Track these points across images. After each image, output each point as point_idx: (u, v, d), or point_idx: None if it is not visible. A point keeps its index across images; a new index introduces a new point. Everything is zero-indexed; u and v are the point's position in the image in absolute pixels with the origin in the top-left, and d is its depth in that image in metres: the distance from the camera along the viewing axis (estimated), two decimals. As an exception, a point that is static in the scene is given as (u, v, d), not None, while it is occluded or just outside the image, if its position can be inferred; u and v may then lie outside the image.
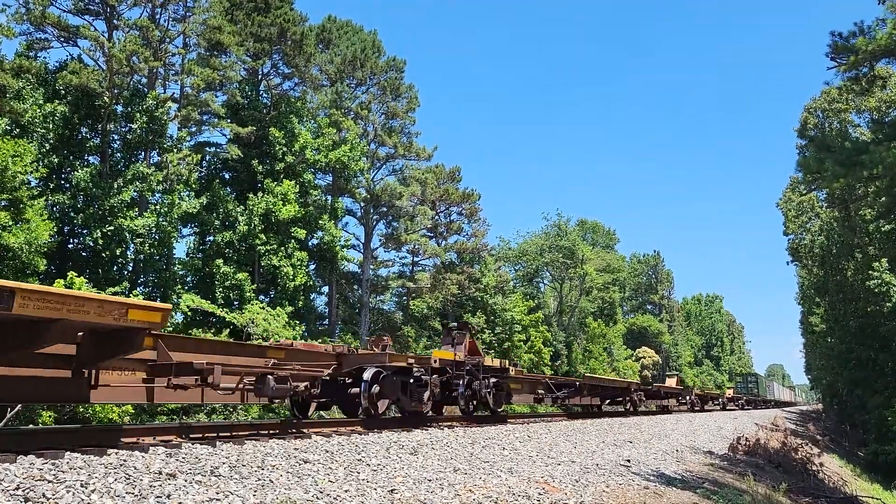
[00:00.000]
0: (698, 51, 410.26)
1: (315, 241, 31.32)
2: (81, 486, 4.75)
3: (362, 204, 36.67)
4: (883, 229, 34.98)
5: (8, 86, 20.57)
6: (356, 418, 10.72)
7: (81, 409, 15.79)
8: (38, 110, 22.13)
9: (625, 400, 25.03)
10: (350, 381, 10.94)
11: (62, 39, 24.78)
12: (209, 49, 28.34)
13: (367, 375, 10.46)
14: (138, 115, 24.13)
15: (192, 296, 24.29)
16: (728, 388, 67.15)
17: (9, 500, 4.33)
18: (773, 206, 60.40)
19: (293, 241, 28.07)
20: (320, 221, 30.30)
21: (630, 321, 77.64)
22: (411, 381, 11.59)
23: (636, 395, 25.81)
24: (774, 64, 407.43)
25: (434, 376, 12.29)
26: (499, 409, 15.16)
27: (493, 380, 14.71)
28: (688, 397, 35.18)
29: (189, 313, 23.79)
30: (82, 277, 17.85)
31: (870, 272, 31.17)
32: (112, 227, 22.12)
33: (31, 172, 19.66)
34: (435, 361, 12.55)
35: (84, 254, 23.11)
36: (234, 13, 29.99)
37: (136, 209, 23.67)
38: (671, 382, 36.44)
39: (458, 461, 8.24)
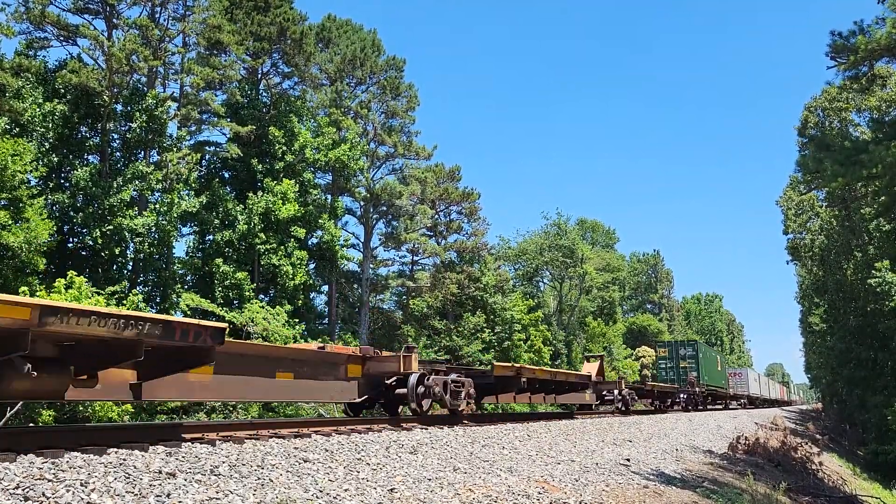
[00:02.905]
0: (698, 48, 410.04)
1: (315, 241, 31.29)
2: (81, 485, 4.75)
3: (362, 203, 36.67)
4: (883, 229, 34.95)
5: (7, 85, 20.53)
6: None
7: (81, 409, 15.77)
8: (38, 109, 22.08)
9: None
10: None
11: (62, 38, 24.76)
12: (209, 48, 28.32)
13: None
14: (138, 114, 24.10)
15: (192, 295, 24.30)
16: (625, 364, 36.96)
17: (9, 500, 4.33)
18: (773, 203, 60.28)
19: (293, 240, 28.05)
20: (320, 220, 30.27)
21: (630, 320, 77.61)
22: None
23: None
24: (774, 61, 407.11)
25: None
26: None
27: None
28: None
29: (189, 313, 23.79)
30: (82, 277, 17.81)
31: (873, 272, 31.13)
32: (112, 227, 22.09)
33: (31, 171, 19.59)
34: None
35: (84, 253, 23.07)
36: (234, 12, 29.97)
37: (136, 208, 23.64)
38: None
39: (457, 460, 8.24)
